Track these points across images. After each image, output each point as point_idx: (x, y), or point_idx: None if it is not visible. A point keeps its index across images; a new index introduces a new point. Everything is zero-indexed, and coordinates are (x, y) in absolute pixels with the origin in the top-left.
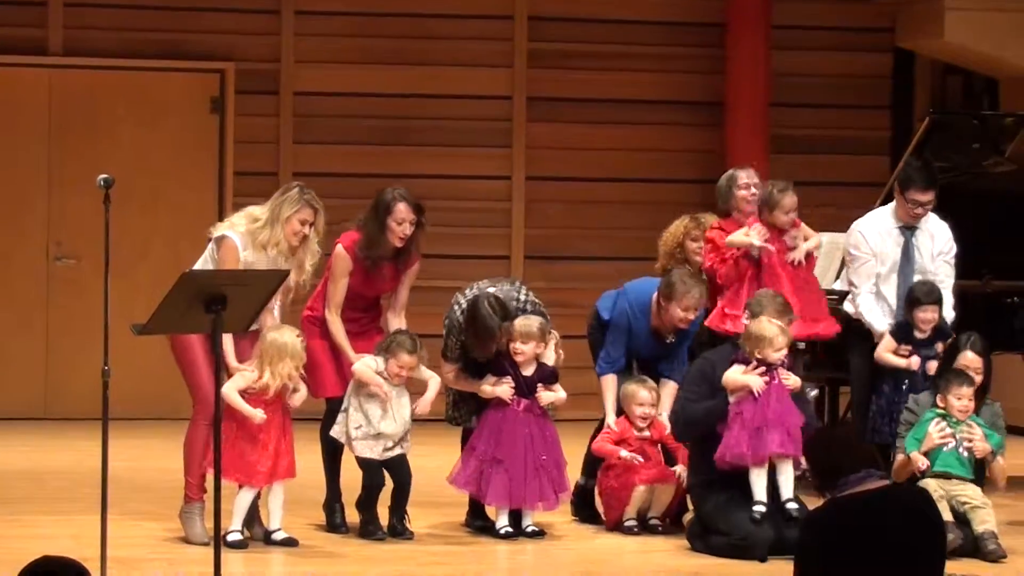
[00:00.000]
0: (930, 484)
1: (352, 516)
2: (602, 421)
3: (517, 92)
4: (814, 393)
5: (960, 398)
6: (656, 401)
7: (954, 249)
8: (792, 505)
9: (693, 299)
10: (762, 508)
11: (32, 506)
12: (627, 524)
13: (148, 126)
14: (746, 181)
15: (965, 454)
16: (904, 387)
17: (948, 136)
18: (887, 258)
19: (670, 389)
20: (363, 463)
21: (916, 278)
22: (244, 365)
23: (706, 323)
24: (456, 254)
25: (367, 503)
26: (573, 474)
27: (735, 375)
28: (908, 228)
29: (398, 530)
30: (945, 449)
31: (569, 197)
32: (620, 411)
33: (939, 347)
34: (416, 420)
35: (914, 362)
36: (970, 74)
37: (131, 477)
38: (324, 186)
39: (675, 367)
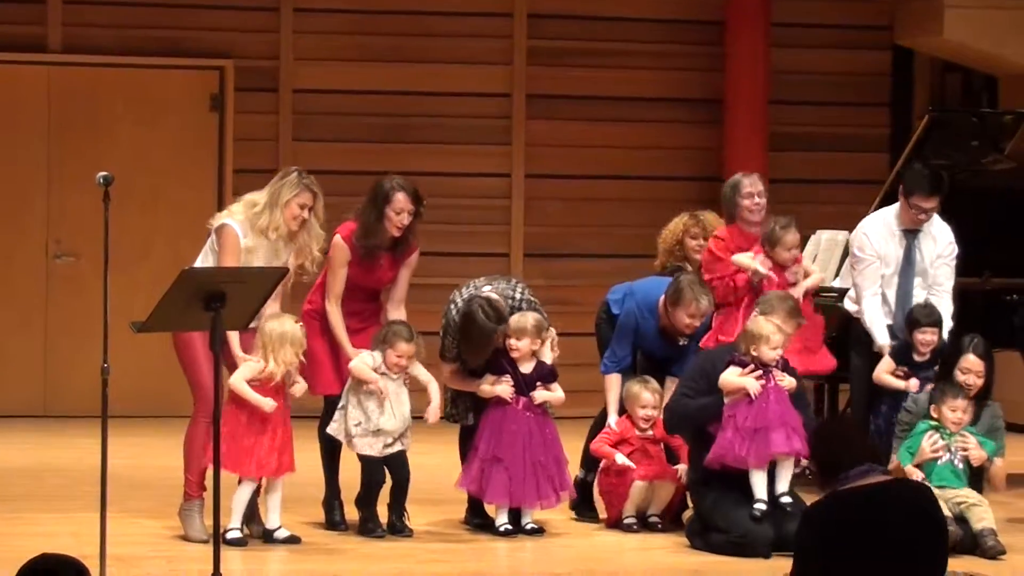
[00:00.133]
0: None
1: (351, 514)
2: (599, 415)
3: (516, 89)
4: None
5: (954, 410)
6: (659, 403)
7: (955, 251)
8: (786, 499)
9: (700, 308)
10: (763, 506)
11: (31, 504)
12: (626, 521)
13: (147, 124)
14: (749, 190)
15: (960, 465)
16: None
17: (947, 134)
18: (890, 260)
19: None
20: (363, 460)
21: (916, 280)
22: (249, 356)
23: (700, 344)
24: (455, 252)
25: (367, 500)
26: (573, 470)
27: (731, 377)
28: (911, 231)
29: (397, 528)
30: (939, 463)
31: (568, 195)
32: (622, 410)
33: (937, 369)
34: (415, 418)
35: (912, 384)
36: (969, 72)
37: (130, 475)
38: (324, 183)
39: (685, 367)
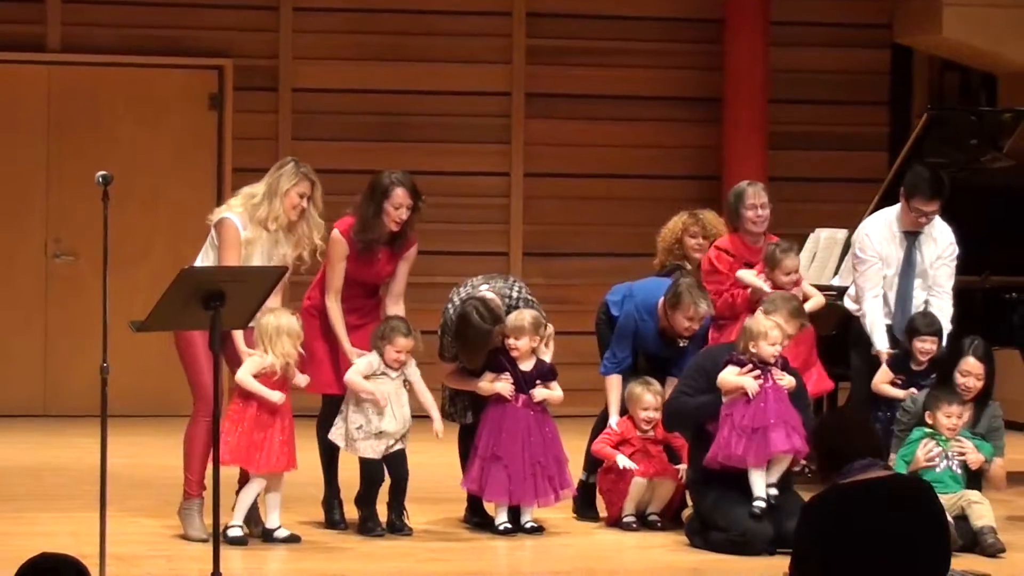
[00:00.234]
0: None
1: (351, 513)
2: (600, 416)
3: (515, 88)
4: None
5: (949, 416)
6: (661, 405)
7: (956, 251)
8: (772, 491)
9: (699, 311)
10: (762, 504)
11: (31, 503)
12: (626, 520)
13: (147, 123)
14: (753, 202)
15: (959, 471)
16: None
17: (946, 132)
18: (892, 261)
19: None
20: (363, 459)
21: (917, 281)
22: (252, 351)
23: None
24: (455, 250)
25: (366, 499)
26: (574, 471)
27: (729, 376)
28: (912, 232)
29: (397, 526)
30: (937, 470)
31: (567, 193)
32: (623, 411)
33: (934, 378)
34: (414, 416)
35: (910, 394)
36: (968, 70)
37: (130, 474)
38: (323, 182)
39: (684, 367)
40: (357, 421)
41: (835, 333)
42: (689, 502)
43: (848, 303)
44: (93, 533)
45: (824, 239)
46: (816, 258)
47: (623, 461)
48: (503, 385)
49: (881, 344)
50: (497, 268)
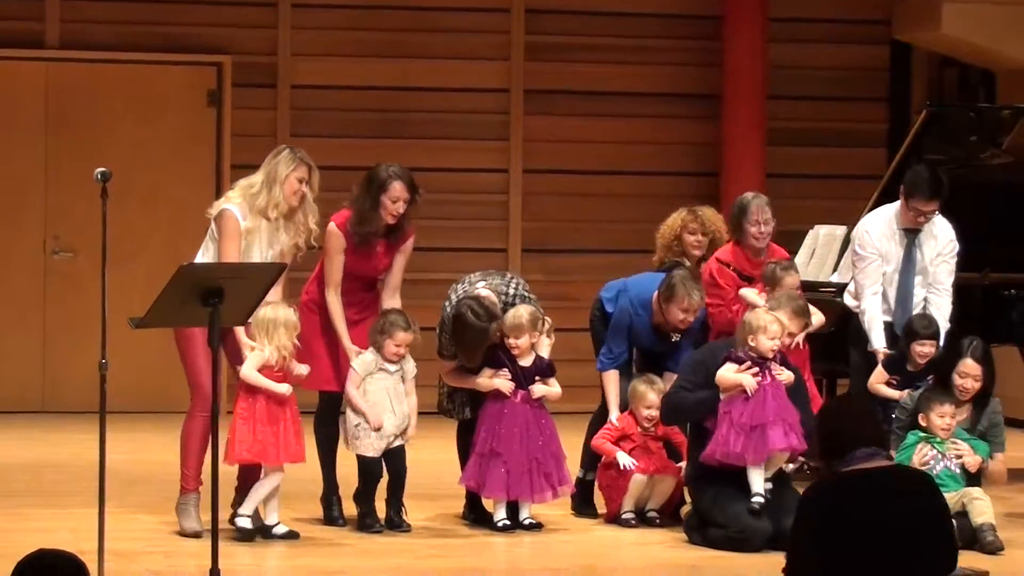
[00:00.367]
0: None
1: (349, 509)
2: (597, 413)
3: (514, 85)
4: None
5: (942, 416)
6: None
7: (956, 248)
8: (767, 485)
9: (693, 303)
10: (760, 499)
11: (30, 499)
12: (624, 516)
13: (145, 120)
14: (756, 218)
15: (957, 471)
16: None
17: (945, 129)
18: (891, 258)
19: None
20: (362, 456)
21: (917, 279)
22: (252, 342)
23: None
24: (453, 247)
25: (365, 495)
26: (572, 467)
27: (727, 374)
28: (912, 230)
29: (395, 523)
30: (935, 472)
31: (566, 190)
32: (623, 406)
33: (930, 381)
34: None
35: (909, 394)
36: (966, 67)
37: (129, 470)
38: (322, 179)
39: (679, 361)
40: (356, 419)
41: (834, 330)
42: (688, 499)
43: (848, 300)
44: (92, 529)
45: (823, 235)
46: (815, 255)
47: (623, 459)
48: (502, 382)
49: (878, 343)
50: (496, 265)
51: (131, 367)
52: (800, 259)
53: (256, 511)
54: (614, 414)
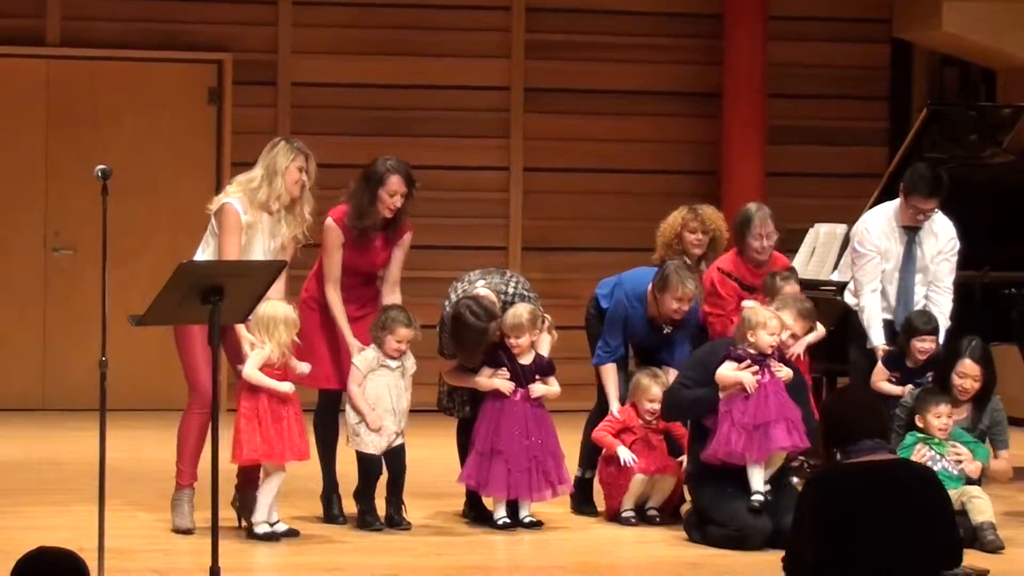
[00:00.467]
0: None
1: (349, 507)
2: (594, 411)
3: (515, 83)
4: None
5: (939, 416)
6: None
7: (956, 246)
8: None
9: (687, 291)
10: (760, 497)
11: (29, 497)
12: (624, 515)
13: (146, 117)
14: (759, 231)
15: (955, 472)
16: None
17: (946, 127)
18: (891, 256)
19: (672, 377)
20: (362, 454)
21: (917, 277)
22: (251, 336)
23: None
24: (454, 245)
25: (365, 493)
26: (571, 466)
27: (727, 371)
28: (912, 228)
29: (395, 521)
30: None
31: (567, 188)
32: (622, 400)
33: (930, 377)
34: (411, 410)
35: (909, 391)
36: (967, 65)
37: (128, 468)
38: (322, 177)
39: (675, 354)
40: (357, 417)
41: (834, 329)
42: (687, 497)
43: (848, 298)
44: (91, 527)
45: (823, 234)
46: (815, 253)
47: (624, 454)
48: (501, 382)
49: (877, 340)
50: (496, 263)
51: (131, 364)
52: (800, 258)
53: (255, 510)
54: (615, 405)
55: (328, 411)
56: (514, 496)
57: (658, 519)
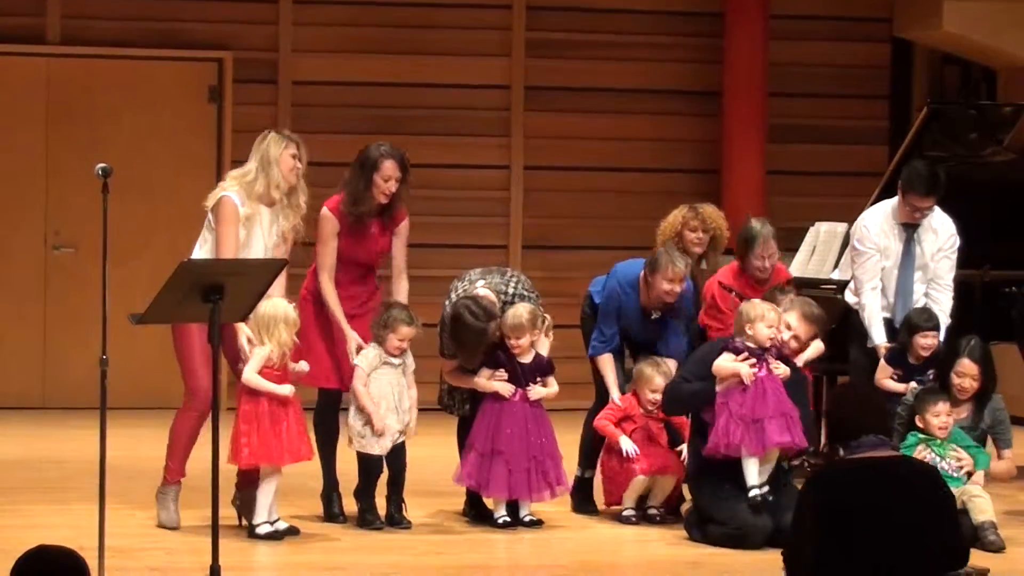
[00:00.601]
0: None
1: (350, 505)
2: (594, 406)
3: (515, 81)
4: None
5: (938, 415)
6: None
7: (956, 243)
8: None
9: (678, 271)
10: (757, 491)
11: (29, 495)
12: (625, 514)
13: (146, 115)
14: (761, 252)
15: (955, 474)
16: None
17: (946, 126)
18: (891, 253)
19: (672, 367)
20: (363, 453)
21: (917, 274)
22: (249, 330)
23: None
24: (454, 243)
25: (365, 492)
26: (569, 467)
27: (724, 363)
28: (911, 225)
29: (396, 519)
30: None
31: (567, 186)
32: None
33: (932, 374)
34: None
35: (912, 388)
36: (967, 64)
37: (129, 466)
38: (322, 175)
39: (670, 344)
40: (362, 418)
41: (834, 327)
42: (687, 495)
43: (849, 296)
44: (92, 525)
45: (824, 233)
46: (816, 252)
47: (626, 444)
48: (501, 384)
49: (878, 338)
50: (497, 261)
51: (131, 363)
52: (801, 256)
53: (255, 507)
54: (615, 394)
55: (328, 410)
56: (514, 497)
57: (659, 517)
